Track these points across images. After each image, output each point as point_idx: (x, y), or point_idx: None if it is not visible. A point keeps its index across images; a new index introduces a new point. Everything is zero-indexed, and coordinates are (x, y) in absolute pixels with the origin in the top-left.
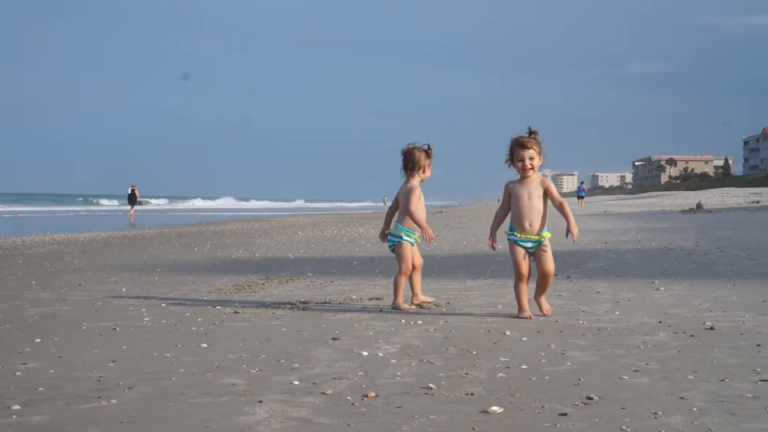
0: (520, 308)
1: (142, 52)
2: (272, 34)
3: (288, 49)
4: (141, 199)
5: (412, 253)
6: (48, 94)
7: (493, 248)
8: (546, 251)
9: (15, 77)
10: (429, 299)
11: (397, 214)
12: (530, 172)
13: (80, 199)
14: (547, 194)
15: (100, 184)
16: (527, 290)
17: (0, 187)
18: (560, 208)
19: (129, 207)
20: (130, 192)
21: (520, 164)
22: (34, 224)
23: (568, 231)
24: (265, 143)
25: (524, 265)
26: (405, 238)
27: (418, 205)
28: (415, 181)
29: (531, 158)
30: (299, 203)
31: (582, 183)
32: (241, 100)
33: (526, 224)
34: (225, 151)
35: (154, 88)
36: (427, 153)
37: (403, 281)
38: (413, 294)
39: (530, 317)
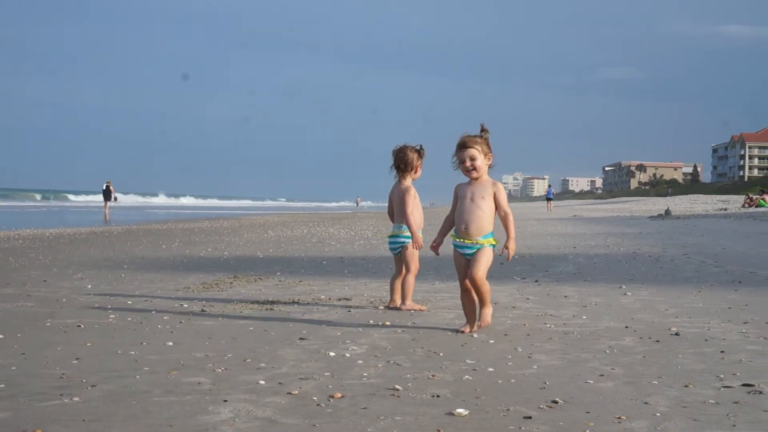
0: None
1: (143, 50)
2: (262, 36)
3: (276, 50)
4: (116, 195)
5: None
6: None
7: (437, 253)
8: (476, 256)
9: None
10: (419, 306)
11: (395, 215)
12: (474, 174)
13: (39, 196)
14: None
15: (70, 180)
16: (472, 301)
17: None
18: (504, 219)
19: (103, 203)
20: (105, 188)
21: (462, 165)
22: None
23: (505, 246)
24: (253, 143)
25: (462, 273)
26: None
27: (415, 205)
28: (408, 182)
29: (472, 158)
30: (280, 203)
31: (550, 186)
32: (239, 101)
33: (462, 227)
34: (219, 151)
35: (154, 87)
36: (419, 153)
37: (413, 281)
38: (391, 298)
39: (467, 332)
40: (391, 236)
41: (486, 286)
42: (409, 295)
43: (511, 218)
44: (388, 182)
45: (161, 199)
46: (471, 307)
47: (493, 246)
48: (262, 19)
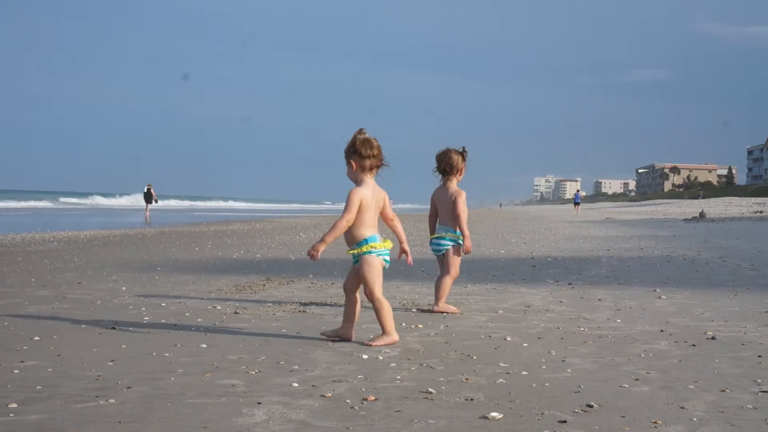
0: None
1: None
2: (267, 37)
3: (285, 50)
4: (156, 198)
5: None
6: (47, 89)
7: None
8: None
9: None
10: (452, 309)
11: (441, 218)
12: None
13: (60, 197)
14: None
15: (101, 183)
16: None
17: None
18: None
19: (144, 205)
20: (146, 191)
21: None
22: (35, 221)
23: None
24: (265, 145)
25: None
26: (457, 242)
27: (465, 211)
28: (455, 185)
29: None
30: (297, 206)
31: (578, 191)
32: (240, 101)
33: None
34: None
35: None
36: (463, 155)
37: (450, 284)
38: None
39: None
40: (436, 238)
41: (378, 304)
42: (444, 296)
43: (396, 222)
44: (412, 184)
45: (200, 203)
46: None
47: (366, 253)
48: (280, 22)
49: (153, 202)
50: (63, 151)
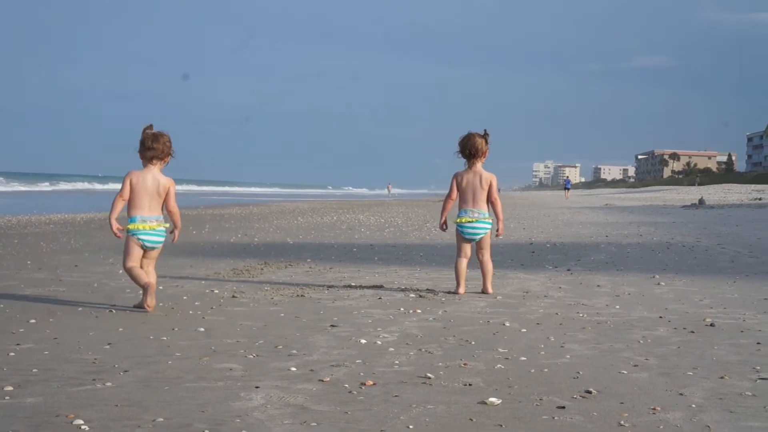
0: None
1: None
2: (278, 26)
3: (298, 39)
4: None
5: None
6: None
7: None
8: None
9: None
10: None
11: (469, 201)
12: None
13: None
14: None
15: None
16: None
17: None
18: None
19: None
20: None
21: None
22: (31, 203)
23: None
24: (274, 130)
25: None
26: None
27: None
28: (480, 167)
29: None
30: (315, 191)
31: (567, 177)
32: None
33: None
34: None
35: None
36: (485, 138)
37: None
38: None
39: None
40: (471, 222)
41: None
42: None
43: None
44: (419, 168)
45: (194, 187)
46: None
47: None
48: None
49: None
50: (79, 135)
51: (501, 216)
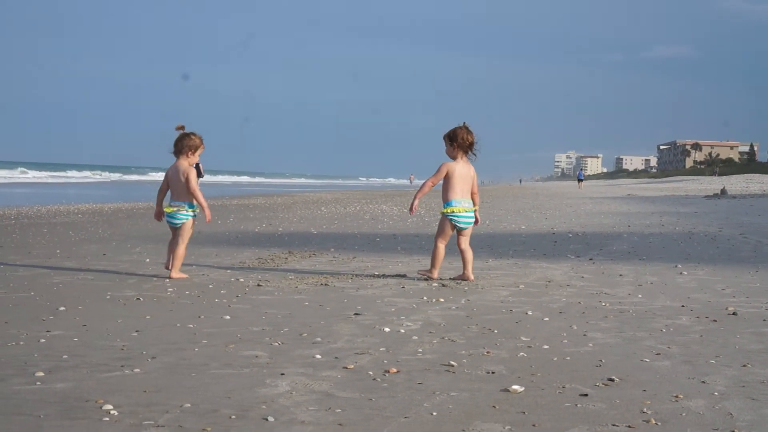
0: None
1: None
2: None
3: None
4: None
5: None
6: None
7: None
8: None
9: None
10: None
11: (459, 192)
12: None
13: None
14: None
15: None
16: None
17: (32, 156)
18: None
19: None
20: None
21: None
22: (59, 193)
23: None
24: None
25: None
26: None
27: None
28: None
29: None
30: (324, 181)
31: (582, 169)
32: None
33: None
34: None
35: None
36: (469, 131)
37: None
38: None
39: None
40: (467, 211)
41: None
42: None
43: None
44: (436, 160)
45: (221, 177)
46: None
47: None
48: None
49: (200, 176)
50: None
51: (478, 207)
